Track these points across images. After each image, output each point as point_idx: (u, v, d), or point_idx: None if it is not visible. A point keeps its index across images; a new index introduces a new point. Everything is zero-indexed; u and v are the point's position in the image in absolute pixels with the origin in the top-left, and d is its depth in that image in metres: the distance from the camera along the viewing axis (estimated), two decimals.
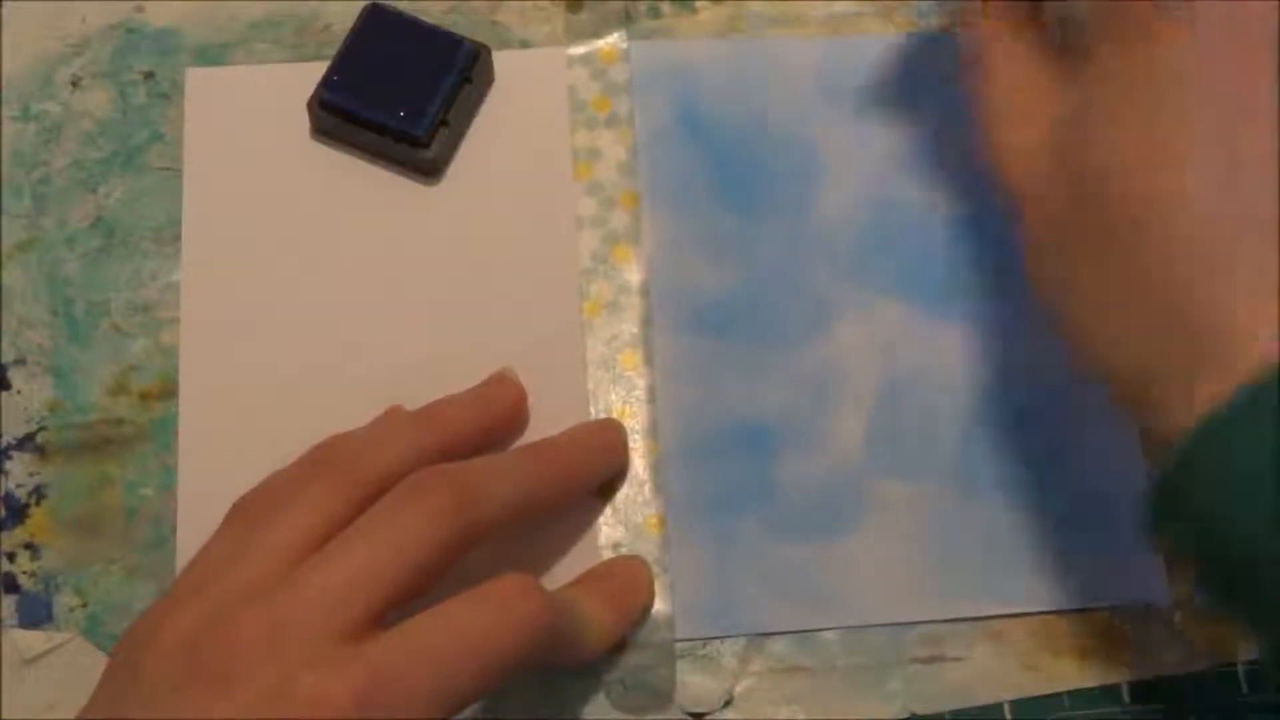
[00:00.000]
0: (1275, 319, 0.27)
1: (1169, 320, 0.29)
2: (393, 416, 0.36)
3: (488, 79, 0.43)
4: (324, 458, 0.34)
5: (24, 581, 0.37)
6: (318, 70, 0.41)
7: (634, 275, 0.41)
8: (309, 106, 0.41)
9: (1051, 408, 0.40)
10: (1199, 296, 0.28)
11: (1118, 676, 0.37)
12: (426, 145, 0.41)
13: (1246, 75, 0.29)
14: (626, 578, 0.37)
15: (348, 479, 0.32)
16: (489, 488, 0.32)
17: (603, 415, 0.39)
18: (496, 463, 0.35)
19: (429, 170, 0.41)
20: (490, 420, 0.37)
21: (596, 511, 0.38)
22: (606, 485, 0.39)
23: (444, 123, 0.41)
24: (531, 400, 0.39)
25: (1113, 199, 0.30)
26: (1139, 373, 0.30)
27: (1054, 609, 0.38)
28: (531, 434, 0.39)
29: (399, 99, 0.41)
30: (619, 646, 0.37)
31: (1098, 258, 0.31)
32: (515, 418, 0.38)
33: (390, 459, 0.33)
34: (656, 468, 0.39)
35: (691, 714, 0.37)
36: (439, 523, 0.30)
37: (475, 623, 0.29)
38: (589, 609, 0.35)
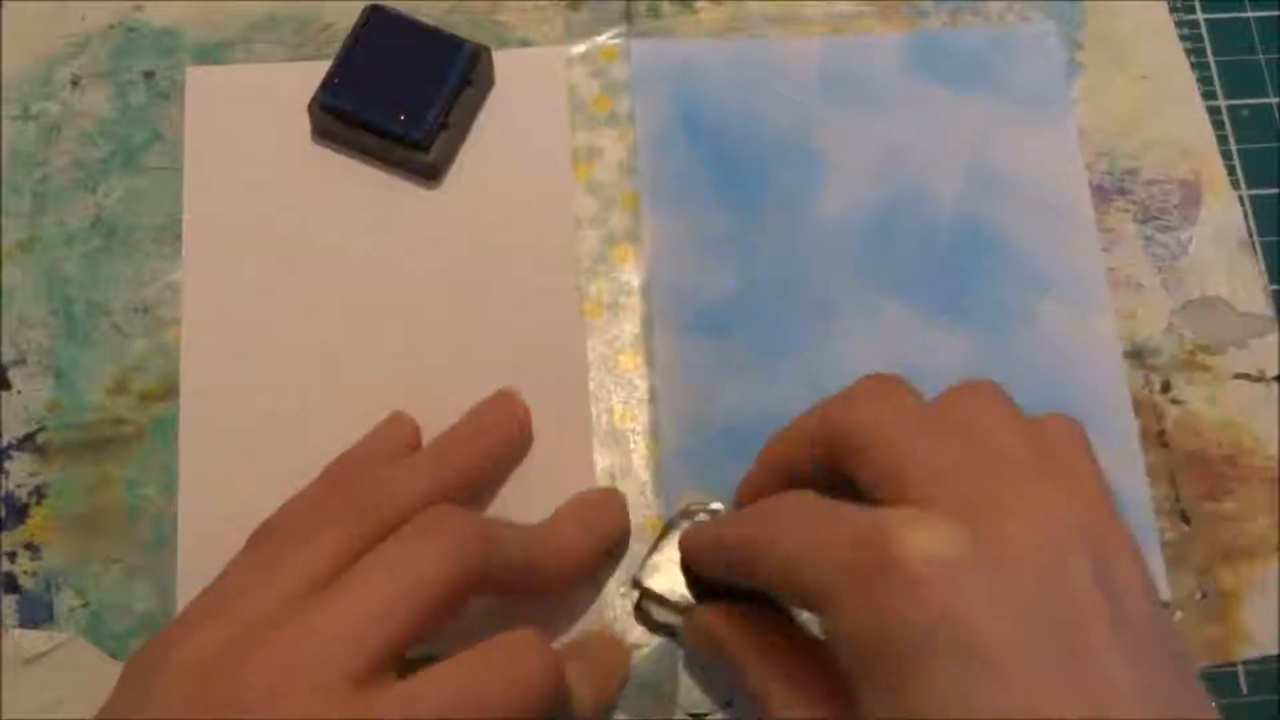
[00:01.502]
0: None
1: None
2: (403, 435, 0.37)
3: (488, 81, 0.42)
4: (345, 491, 0.34)
5: (24, 581, 0.37)
6: (318, 70, 0.41)
7: (634, 275, 0.41)
8: (309, 109, 0.41)
9: (1052, 406, 0.40)
10: None
11: None
12: (427, 148, 0.41)
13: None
14: (605, 656, 0.36)
15: (371, 516, 0.32)
16: (499, 531, 0.32)
17: (603, 417, 0.39)
18: (519, 532, 0.34)
19: (429, 173, 0.41)
20: (501, 449, 0.38)
21: (607, 571, 0.38)
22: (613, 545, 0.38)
23: (444, 125, 0.41)
24: (532, 403, 0.39)
25: None
26: None
27: None
28: (533, 437, 0.39)
29: (399, 102, 0.41)
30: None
31: None
32: (524, 443, 0.39)
33: (412, 498, 0.33)
34: (657, 469, 0.39)
35: (693, 715, 0.37)
36: (452, 559, 0.30)
37: (483, 678, 0.29)
38: (572, 680, 0.34)
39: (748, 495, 0.35)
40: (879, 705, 0.27)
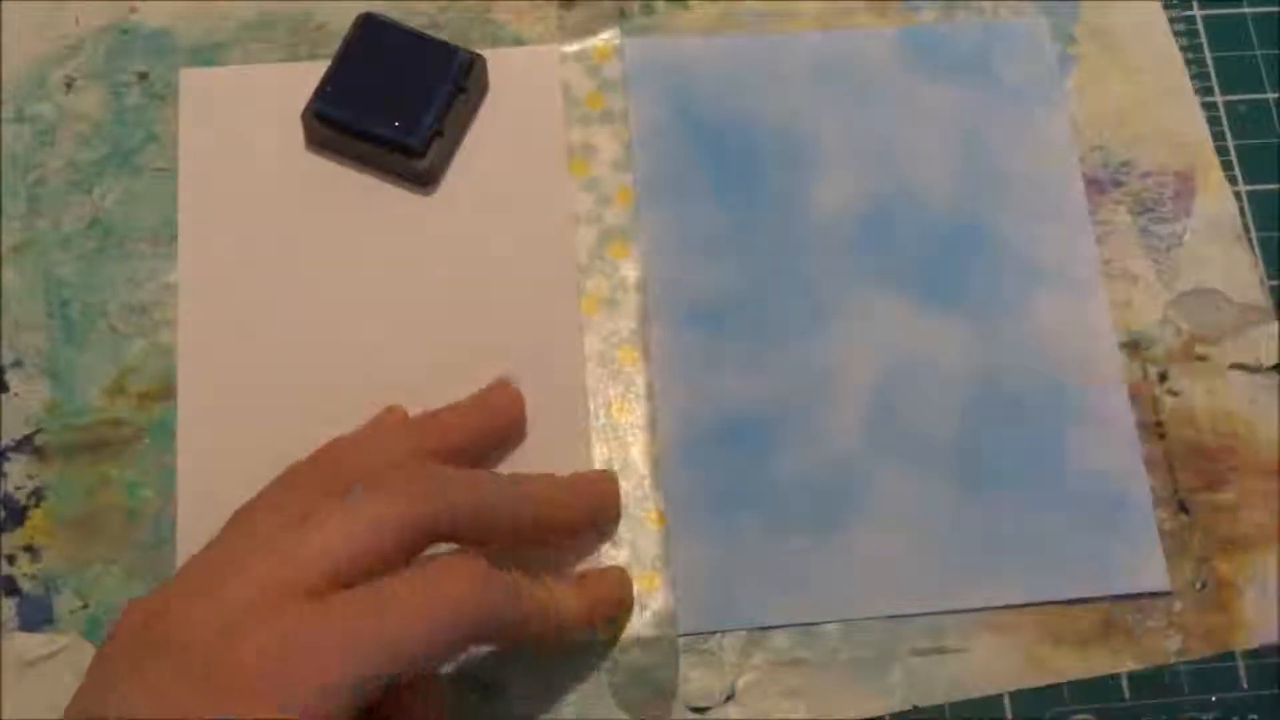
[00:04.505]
0: None
1: None
2: (393, 421, 0.36)
3: (482, 88, 0.42)
4: (329, 468, 0.33)
5: (24, 584, 0.37)
6: (312, 70, 0.41)
7: (631, 271, 0.41)
8: (303, 117, 0.41)
9: (1048, 398, 0.40)
10: None
11: (1117, 667, 0.37)
12: (421, 155, 0.41)
13: None
14: (600, 573, 0.37)
15: (343, 482, 0.32)
16: (463, 491, 0.32)
17: (601, 412, 0.39)
18: (484, 476, 0.35)
19: (424, 180, 0.41)
20: (490, 429, 0.38)
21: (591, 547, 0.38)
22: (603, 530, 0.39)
23: (439, 132, 0.41)
24: (530, 398, 0.39)
25: None
26: None
27: (1054, 599, 0.38)
28: (530, 432, 0.39)
29: (394, 110, 0.40)
30: (613, 643, 0.37)
31: None
32: (515, 427, 0.39)
33: (390, 461, 0.33)
34: (656, 463, 0.39)
35: (694, 709, 0.37)
36: (401, 507, 0.30)
37: (402, 602, 0.29)
38: (552, 590, 0.34)
39: None
40: None
